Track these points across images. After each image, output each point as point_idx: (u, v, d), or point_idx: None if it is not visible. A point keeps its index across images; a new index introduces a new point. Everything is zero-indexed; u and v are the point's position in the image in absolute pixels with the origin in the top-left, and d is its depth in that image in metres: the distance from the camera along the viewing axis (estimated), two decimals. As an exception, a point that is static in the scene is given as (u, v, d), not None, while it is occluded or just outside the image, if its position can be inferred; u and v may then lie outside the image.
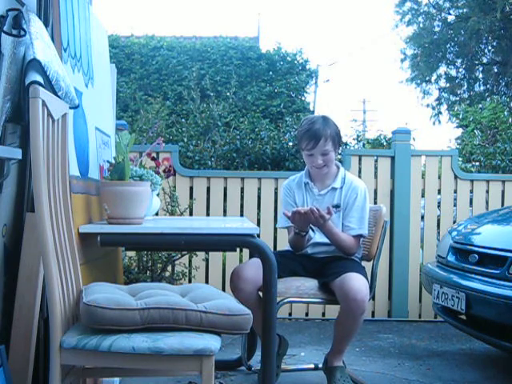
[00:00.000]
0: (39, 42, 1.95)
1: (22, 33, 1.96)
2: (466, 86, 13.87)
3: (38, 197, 1.64)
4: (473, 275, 2.97)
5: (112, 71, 3.10)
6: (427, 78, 14.07)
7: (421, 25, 13.51)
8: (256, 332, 2.85)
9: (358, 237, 2.87)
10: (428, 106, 14.43)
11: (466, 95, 13.74)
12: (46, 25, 2.17)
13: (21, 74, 1.93)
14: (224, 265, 4.39)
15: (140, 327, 1.68)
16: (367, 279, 2.72)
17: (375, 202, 4.44)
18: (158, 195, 2.72)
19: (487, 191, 4.58)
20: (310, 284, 2.75)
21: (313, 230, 2.85)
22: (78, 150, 2.23)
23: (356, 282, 2.59)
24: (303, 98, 9.07)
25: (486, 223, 3.44)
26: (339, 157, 5.01)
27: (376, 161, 4.55)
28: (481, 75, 13.62)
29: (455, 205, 4.64)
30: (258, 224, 4.30)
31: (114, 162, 2.27)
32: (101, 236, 2.06)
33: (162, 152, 4.24)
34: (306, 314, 4.45)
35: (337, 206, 2.85)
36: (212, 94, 7.13)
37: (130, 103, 8.05)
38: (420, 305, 4.49)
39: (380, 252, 2.97)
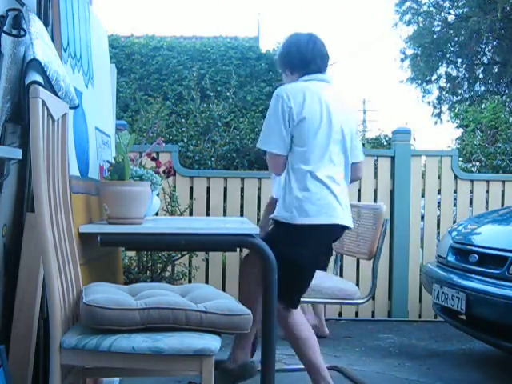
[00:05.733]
0: (39, 42, 1.95)
1: (22, 33, 1.95)
2: (466, 86, 13.85)
3: (38, 197, 1.64)
4: (473, 275, 2.98)
5: (112, 71, 3.10)
6: (427, 78, 14.05)
7: (421, 24, 13.48)
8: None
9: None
10: (429, 103, 14.41)
11: (466, 95, 13.73)
12: (46, 25, 2.17)
13: (21, 73, 1.93)
14: (224, 265, 4.38)
15: (140, 327, 1.68)
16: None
17: (375, 202, 4.44)
18: (158, 195, 2.72)
19: (487, 191, 4.58)
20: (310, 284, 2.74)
21: None
22: (78, 150, 2.23)
23: None
24: (303, 98, 9.05)
25: (486, 223, 3.44)
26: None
27: (376, 161, 4.55)
28: (481, 75, 13.61)
29: (455, 205, 4.64)
30: (258, 224, 4.29)
31: (114, 161, 2.27)
32: (101, 236, 2.05)
33: (162, 152, 4.24)
34: (306, 314, 4.45)
35: None
36: (212, 94, 7.11)
37: (130, 103, 8.03)
38: (420, 305, 4.48)
39: (380, 251, 2.97)
